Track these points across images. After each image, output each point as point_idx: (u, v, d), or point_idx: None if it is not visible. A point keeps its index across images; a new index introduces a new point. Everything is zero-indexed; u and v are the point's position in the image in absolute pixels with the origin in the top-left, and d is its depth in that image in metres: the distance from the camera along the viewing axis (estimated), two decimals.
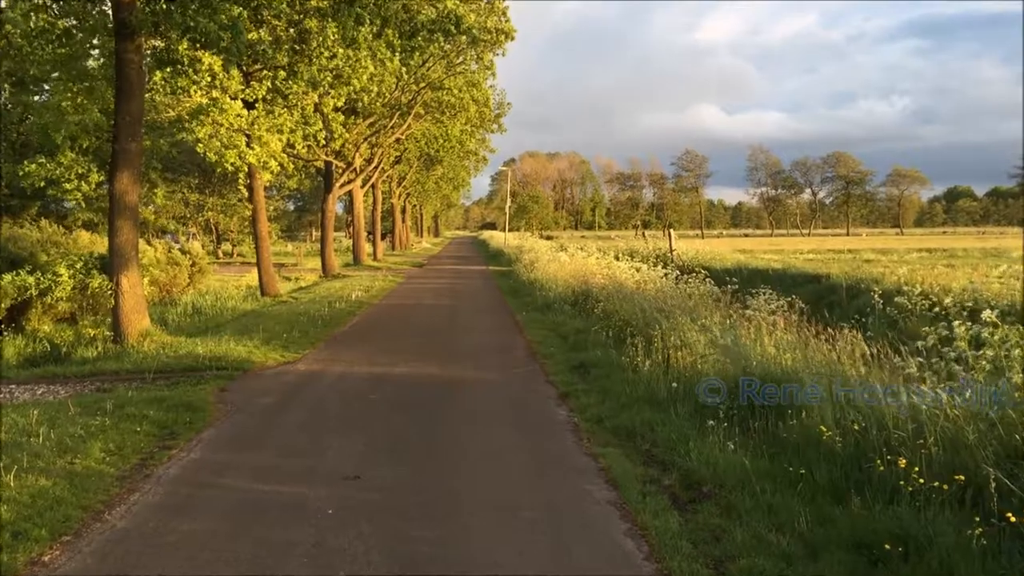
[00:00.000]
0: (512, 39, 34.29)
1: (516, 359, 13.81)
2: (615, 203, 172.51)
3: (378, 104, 34.34)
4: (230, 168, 20.71)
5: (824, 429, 6.60)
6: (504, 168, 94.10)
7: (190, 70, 17.91)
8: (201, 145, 20.45)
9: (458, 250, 75.14)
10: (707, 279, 17.08)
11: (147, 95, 18.98)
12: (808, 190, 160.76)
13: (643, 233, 55.82)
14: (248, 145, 21.11)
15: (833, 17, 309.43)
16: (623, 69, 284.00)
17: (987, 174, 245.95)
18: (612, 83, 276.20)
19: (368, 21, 14.98)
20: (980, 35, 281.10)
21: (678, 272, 18.97)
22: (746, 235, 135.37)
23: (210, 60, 18.55)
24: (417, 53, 15.87)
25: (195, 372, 12.24)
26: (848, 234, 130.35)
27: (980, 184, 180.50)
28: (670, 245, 40.81)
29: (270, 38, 19.22)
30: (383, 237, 62.86)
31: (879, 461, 5.91)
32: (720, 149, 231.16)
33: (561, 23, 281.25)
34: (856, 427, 6.48)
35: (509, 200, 75.37)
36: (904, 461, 5.73)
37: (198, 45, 17.76)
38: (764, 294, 14.51)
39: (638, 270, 21.17)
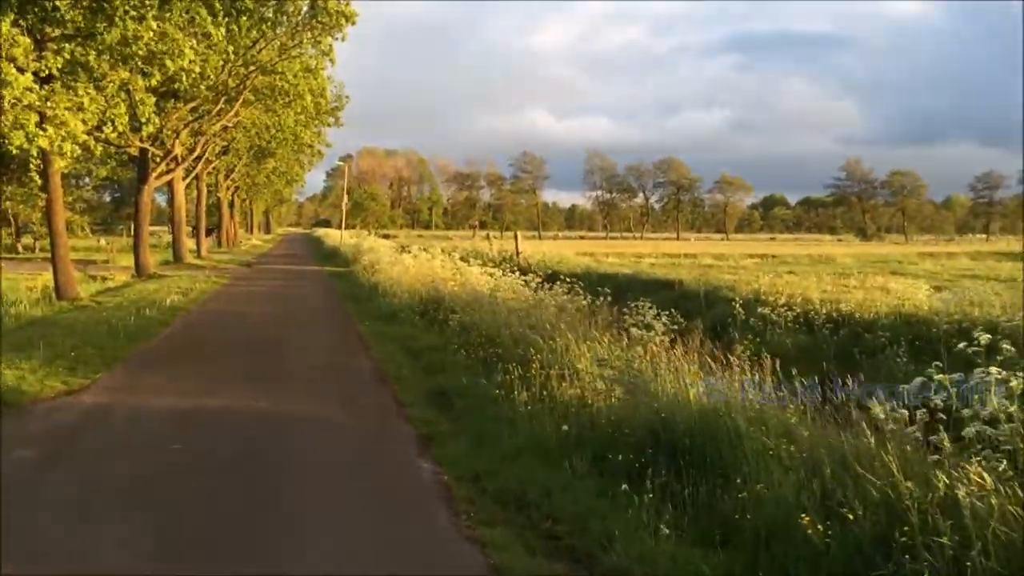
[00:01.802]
0: (353, 23, 31.71)
1: (362, 385, 11.56)
2: (453, 203, 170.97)
3: (202, 87, 30.87)
4: (15, 151, 17.46)
5: (806, 519, 4.78)
6: (340, 163, 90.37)
7: None
8: None
9: (291, 248, 71.23)
10: (575, 288, 15.37)
11: None
12: (641, 194, 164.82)
13: (488, 235, 54.32)
14: (40, 126, 17.80)
15: (661, 29, 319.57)
16: (460, 70, 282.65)
17: (798, 184, 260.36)
18: (449, 84, 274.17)
19: None
20: (792, 54, 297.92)
21: (539, 279, 17.18)
22: (582, 237, 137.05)
23: None
24: (244, 18, 13.34)
25: None
26: (678, 238, 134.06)
27: (792, 193, 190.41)
28: (516, 247, 39.39)
29: None
30: (208, 233, 58.42)
31: None
32: (551, 152, 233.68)
33: (398, 20, 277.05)
34: (851, 515, 4.70)
35: (345, 197, 72.19)
36: None
37: None
38: (646, 307, 12.95)
39: (492, 275, 19.28)
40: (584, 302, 13.50)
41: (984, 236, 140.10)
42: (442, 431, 8.66)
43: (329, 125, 52.19)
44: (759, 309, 19.40)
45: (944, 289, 25.23)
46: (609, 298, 14.42)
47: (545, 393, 8.76)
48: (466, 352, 12.42)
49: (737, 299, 20.88)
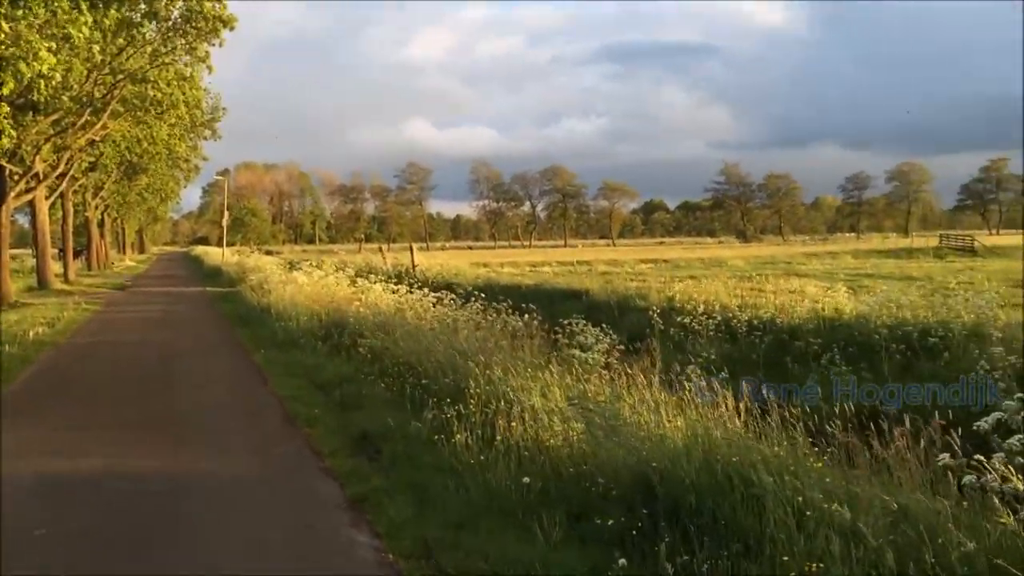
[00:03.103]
0: (231, 28, 29.67)
1: (268, 429, 9.99)
2: (337, 216, 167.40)
3: (64, 97, 28.32)
4: None
5: None
6: (219, 178, 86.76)
7: None
8: None
9: (168, 268, 67.54)
10: (492, 304, 14.13)
11: None
12: (527, 203, 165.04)
13: (381, 248, 52.57)
14: None
15: (536, 39, 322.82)
16: (337, 82, 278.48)
17: (676, 189, 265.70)
18: (327, 96, 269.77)
19: None
20: (664, 63, 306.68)
21: (455, 296, 15.88)
22: (470, 247, 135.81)
23: None
24: (113, 10, 11.58)
25: None
26: (566, 245, 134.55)
27: (670, 198, 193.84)
28: (412, 260, 37.92)
29: None
30: (76, 256, 54.53)
31: None
32: (433, 163, 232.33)
33: (275, 32, 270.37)
34: None
35: (226, 213, 68.99)
36: None
37: None
38: (580, 324, 11.90)
39: (396, 292, 17.89)
40: (512, 320, 12.34)
41: (854, 235, 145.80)
42: (375, 488, 7.23)
43: (206, 138, 49.50)
44: (678, 318, 18.61)
45: (850, 290, 25.06)
46: (535, 315, 13.33)
47: (499, 438, 7.45)
48: (385, 384, 11.02)
49: (653, 308, 20.05)
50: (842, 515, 4.36)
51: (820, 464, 5.23)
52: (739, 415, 6.59)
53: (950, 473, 4.42)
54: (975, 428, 4.46)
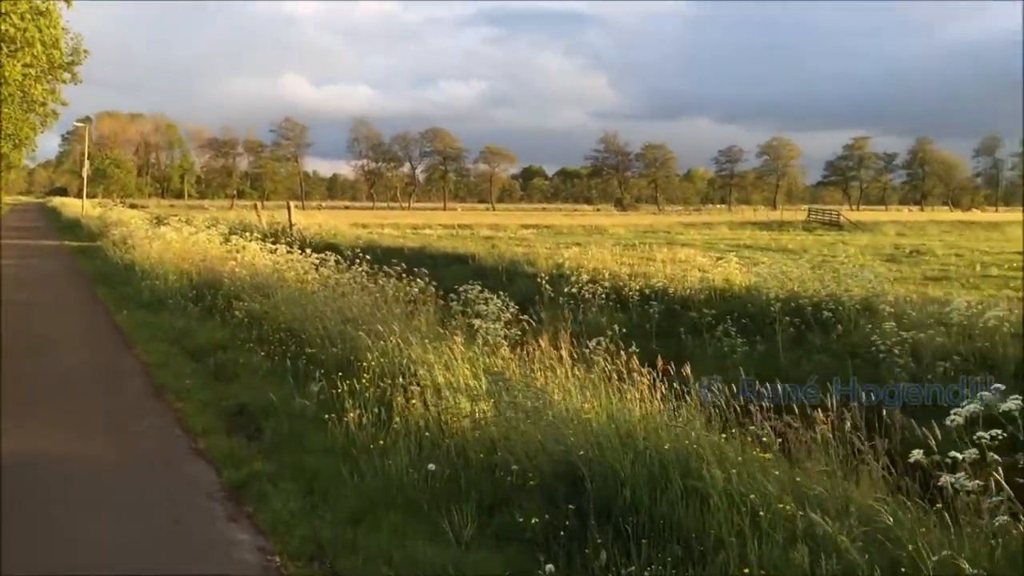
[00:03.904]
0: None
1: (130, 401, 8.91)
2: (207, 171, 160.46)
3: None
4: None
5: None
6: (79, 124, 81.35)
7: None
8: None
9: (22, 220, 62.98)
10: (383, 269, 13.25)
11: None
12: (407, 164, 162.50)
13: (256, 205, 50.19)
14: None
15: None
16: (209, 32, 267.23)
17: (554, 156, 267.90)
18: (198, 46, 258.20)
19: None
20: (543, 28, 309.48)
21: (337, 258, 14.90)
22: (347, 207, 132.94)
23: None
24: None
25: None
26: (445, 208, 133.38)
27: (548, 164, 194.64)
28: (289, 219, 36.29)
29: None
30: None
31: None
32: (309, 120, 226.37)
33: None
34: None
35: (87, 163, 64.81)
36: None
37: None
38: (476, 290, 11.22)
39: (274, 252, 16.78)
40: (403, 285, 11.57)
41: (725, 206, 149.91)
42: (256, 474, 6.36)
43: (65, 81, 45.96)
44: (566, 287, 18.18)
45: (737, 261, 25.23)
46: (427, 280, 12.59)
47: (397, 418, 6.68)
48: (265, 352, 10.07)
49: (542, 275, 19.59)
50: (809, 520, 3.84)
51: (768, 456, 4.71)
52: (655, 394, 6.09)
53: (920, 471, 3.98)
54: (948, 422, 4.01)
